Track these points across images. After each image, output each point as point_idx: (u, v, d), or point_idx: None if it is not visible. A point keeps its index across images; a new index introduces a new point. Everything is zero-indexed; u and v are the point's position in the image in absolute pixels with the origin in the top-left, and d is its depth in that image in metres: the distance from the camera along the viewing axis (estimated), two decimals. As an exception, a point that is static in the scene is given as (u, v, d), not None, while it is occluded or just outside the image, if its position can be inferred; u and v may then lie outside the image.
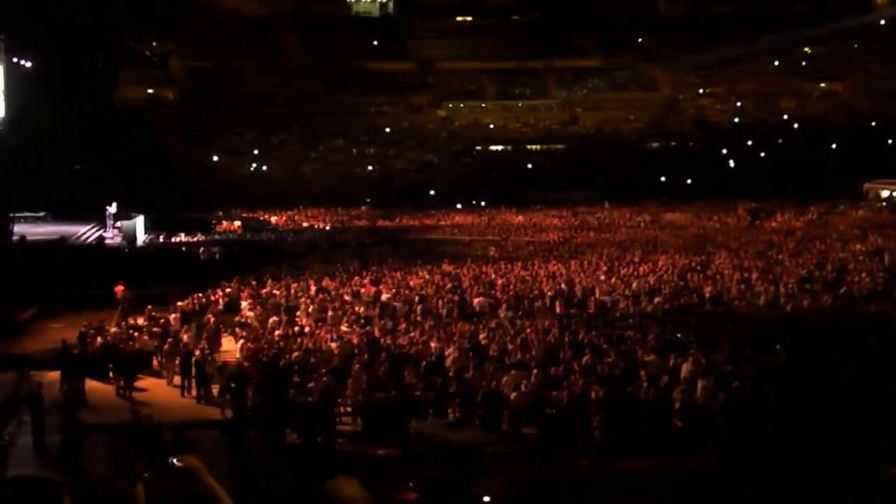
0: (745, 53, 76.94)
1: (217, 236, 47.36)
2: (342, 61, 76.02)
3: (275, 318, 25.85)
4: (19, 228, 39.61)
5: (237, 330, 25.08)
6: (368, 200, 62.08)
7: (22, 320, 27.69)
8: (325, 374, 19.36)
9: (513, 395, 18.14)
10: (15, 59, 39.83)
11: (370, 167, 69.07)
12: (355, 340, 23.14)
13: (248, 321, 26.02)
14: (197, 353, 21.52)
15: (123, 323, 25.30)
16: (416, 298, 28.61)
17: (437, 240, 48.83)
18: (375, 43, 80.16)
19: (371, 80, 75.96)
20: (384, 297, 29.12)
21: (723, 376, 19.28)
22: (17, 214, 41.28)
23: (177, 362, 22.12)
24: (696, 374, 19.45)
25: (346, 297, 29.06)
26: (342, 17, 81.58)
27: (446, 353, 21.27)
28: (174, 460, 4.21)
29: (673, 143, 72.64)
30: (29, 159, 40.39)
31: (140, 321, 25.85)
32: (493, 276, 33.21)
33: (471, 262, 38.12)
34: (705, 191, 63.03)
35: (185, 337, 23.62)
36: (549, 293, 29.17)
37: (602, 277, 32.39)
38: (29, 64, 43.38)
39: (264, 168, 66.84)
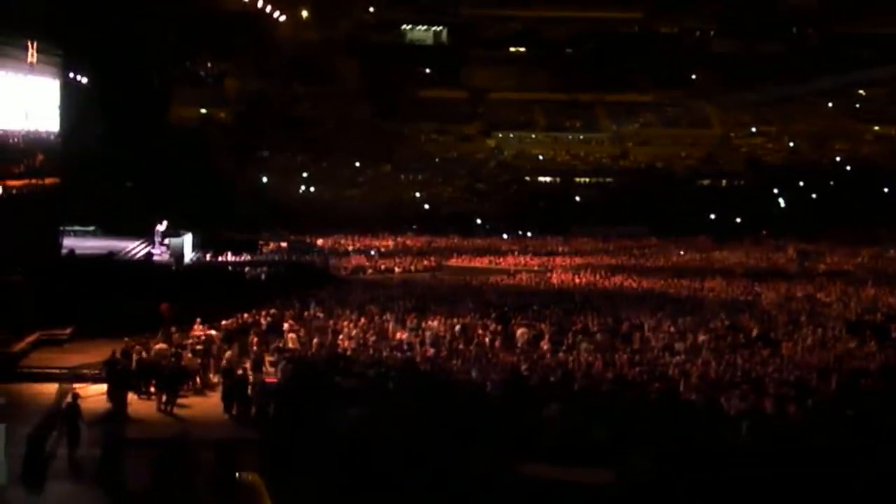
0: (799, 93, 76.35)
1: (264, 257, 47.52)
2: (394, 88, 76.32)
3: (317, 340, 25.81)
4: (69, 242, 39.96)
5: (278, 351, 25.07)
6: (414, 227, 62.12)
7: (65, 334, 27.81)
8: (366, 398, 19.29)
9: (553, 427, 17.97)
10: (71, 75, 40.26)
11: (417, 194, 69.16)
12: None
13: (290, 342, 26.00)
14: (239, 371, 21.52)
15: (167, 339, 25.36)
16: (459, 327, 28.48)
17: (483, 269, 48.73)
18: (428, 71, 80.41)
19: (422, 108, 76.15)
20: (428, 323, 29.03)
21: (767, 417, 19.03)
22: (67, 228, 41.67)
23: (218, 380, 22.18)
24: (740, 413, 19.22)
25: (389, 323, 29.00)
26: (396, 44, 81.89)
27: (487, 383, 21.15)
28: (240, 476, 4.17)
29: (724, 182, 72.12)
30: (81, 174, 40.74)
31: (188, 337, 25.90)
32: (538, 307, 33.03)
33: (515, 292, 38.01)
34: (754, 230, 62.51)
35: (227, 355, 23.65)
36: (594, 327, 28.96)
37: (646, 311, 32.16)
38: (85, 80, 43.86)
39: (312, 190, 67.14)
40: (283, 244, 51.91)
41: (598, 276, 44.05)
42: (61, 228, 40.29)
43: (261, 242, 51.33)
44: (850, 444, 17.13)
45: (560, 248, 57.18)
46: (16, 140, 34.31)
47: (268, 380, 21.83)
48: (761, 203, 67.96)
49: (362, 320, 29.17)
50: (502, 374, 22.08)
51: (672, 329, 28.65)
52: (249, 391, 20.85)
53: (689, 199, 68.29)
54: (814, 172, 71.82)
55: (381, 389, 20.55)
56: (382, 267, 49.81)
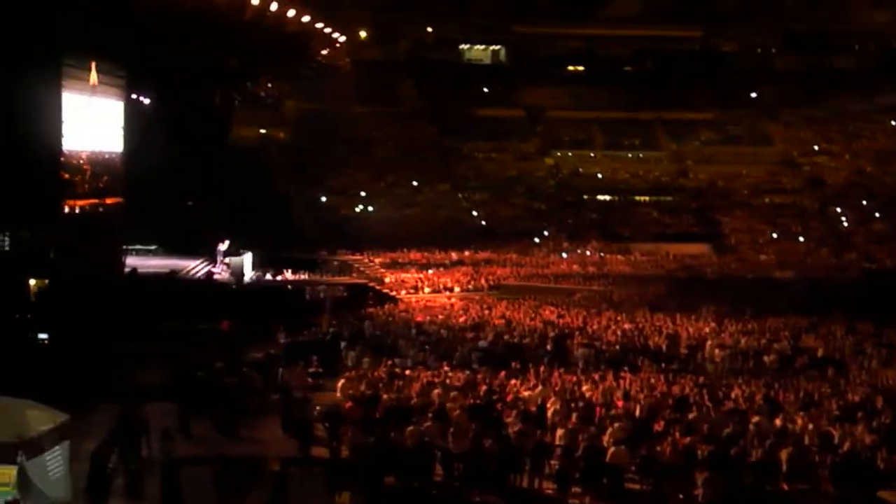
0: (863, 110, 75.28)
1: (322, 276, 47.78)
2: (453, 107, 76.38)
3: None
4: (131, 261, 40.48)
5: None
6: (473, 246, 62.04)
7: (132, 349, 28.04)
8: (426, 418, 19.18)
9: (612, 450, 17.74)
10: (134, 96, 40.84)
11: (475, 213, 69.10)
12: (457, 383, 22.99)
13: (349, 360, 26.09)
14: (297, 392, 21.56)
15: (229, 357, 25.49)
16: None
17: (542, 287, 48.58)
18: (486, 90, 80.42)
19: (480, 127, 76.13)
20: (481, 343, 28.94)
21: (830, 438, 18.68)
22: (129, 247, 42.23)
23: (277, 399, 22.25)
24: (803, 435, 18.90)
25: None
26: (455, 64, 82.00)
27: (548, 405, 20.94)
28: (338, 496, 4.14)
29: (785, 200, 71.16)
30: (144, 194, 41.24)
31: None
32: (597, 326, 32.83)
33: (575, 311, 37.82)
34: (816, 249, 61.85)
35: (285, 374, 23.74)
36: (657, 346, 28.72)
37: (707, 330, 31.85)
38: (148, 101, 44.48)
39: (370, 210, 67.37)
40: (342, 264, 52.20)
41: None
42: (124, 247, 40.86)
43: (320, 261, 51.61)
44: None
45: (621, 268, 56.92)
46: (80, 161, 34.88)
47: (327, 398, 21.87)
48: (824, 222, 67.13)
49: (421, 338, 29.12)
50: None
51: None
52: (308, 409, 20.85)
53: (752, 217, 67.70)
54: (878, 191, 70.52)
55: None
56: (441, 286, 49.87)
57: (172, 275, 39.67)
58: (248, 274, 43.20)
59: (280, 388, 22.83)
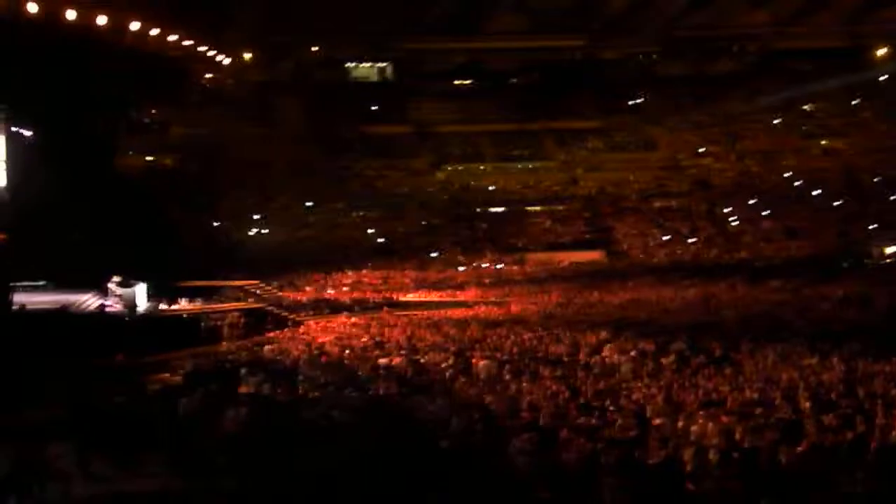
0: (746, 112, 77.30)
1: (218, 303, 47.04)
2: (342, 126, 76.26)
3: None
4: (19, 297, 39.32)
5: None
6: (370, 264, 61.88)
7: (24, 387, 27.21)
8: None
9: (519, 460, 17.72)
10: (15, 129, 39.83)
11: (370, 230, 68.97)
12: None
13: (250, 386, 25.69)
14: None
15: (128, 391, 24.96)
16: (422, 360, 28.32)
17: (440, 302, 48.60)
18: (374, 108, 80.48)
19: (370, 145, 76.16)
20: (382, 361, 28.80)
21: (731, 435, 18.90)
22: (16, 283, 41.01)
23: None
24: (707, 434, 19.08)
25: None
26: (341, 82, 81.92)
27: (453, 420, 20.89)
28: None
29: (674, 203, 72.56)
30: (29, 228, 40.18)
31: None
32: (499, 337, 32.92)
33: (474, 324, 37.90)
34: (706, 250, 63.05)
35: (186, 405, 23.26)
36: (557, 354, 28.87)
37: (605, 335, 32.16)
38: (29, 133, 43.38)
39: (264, 232, 66.74)
40: (239, 289, 51.42)
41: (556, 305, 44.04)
42: (10, 284, 39.68)
43: (215, 288, 50.82)
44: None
45: (517, 278, 57.28)
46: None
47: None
48: (713, 223, 68.69)
49: (323, 359, 28.91)
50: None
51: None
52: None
53: (642, 221, 68.83)
54: (764, 190, 72.41)
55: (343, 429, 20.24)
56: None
57: (63, 310, 38.64)
58: (142, 305, 42.31)
59: (181, 419, 22.38)
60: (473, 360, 28.25)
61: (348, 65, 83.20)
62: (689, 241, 66.51)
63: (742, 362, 26.51)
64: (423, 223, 70.16)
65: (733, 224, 69.12)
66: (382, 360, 28.90)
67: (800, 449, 16.88)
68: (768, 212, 69.20)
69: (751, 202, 70.82)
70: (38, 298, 40.85)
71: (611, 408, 21.44)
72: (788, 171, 75.09)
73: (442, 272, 60.88)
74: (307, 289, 54.63)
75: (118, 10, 43.00)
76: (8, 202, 37.95)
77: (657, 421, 20.09)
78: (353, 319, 40.81)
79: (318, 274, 58.75)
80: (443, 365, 27.80)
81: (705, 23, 79.94)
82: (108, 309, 41.27)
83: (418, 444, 18.65)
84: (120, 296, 41.72)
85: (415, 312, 44.46)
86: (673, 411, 20.78)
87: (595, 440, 18.61)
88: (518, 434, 18.98)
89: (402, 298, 50.95)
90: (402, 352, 30.50)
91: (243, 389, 26.00)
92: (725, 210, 70.47)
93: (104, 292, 42.55)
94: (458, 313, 43.39)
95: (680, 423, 19.73)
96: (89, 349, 31.54)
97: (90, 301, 41.45)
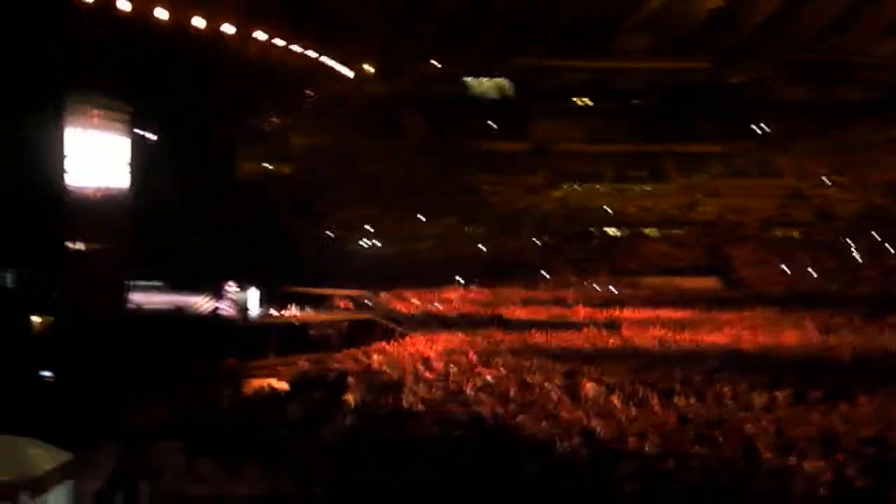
0: (874, 141, 75.04)
1: (328, 311, 47.40)
2: (459, 141, 76.36)
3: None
4: (136, 297, 40.21)
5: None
6: (480, 280, 61.65)
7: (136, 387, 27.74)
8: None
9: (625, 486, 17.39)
10: (139, 132, 40.79)
11: (482, 246, 68.79)
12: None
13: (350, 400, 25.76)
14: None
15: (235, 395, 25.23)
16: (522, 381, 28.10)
17: (546, 321, 48.04)
18: (493, 124, 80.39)
19: (487, 161, 76.04)
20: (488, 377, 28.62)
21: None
22: (134, 283, 41.96)
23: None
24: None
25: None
26: (461, 96, 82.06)
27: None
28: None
29: (795, 233, 70.80)
30: (149, 230, 41.10)
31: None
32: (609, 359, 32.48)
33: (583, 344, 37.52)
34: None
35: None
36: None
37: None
38: (153, 137, 44.38)
39: (377, 244, 67.11)
40: (349, 299, 51.75)
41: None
42: (128, 283, 40.62)
43: (325, 297, 51.24)
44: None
45: (630, 301, 56.35)
46: (86, 197, 34.82)
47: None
48: (835, 254, 66.69)
49: (427, 374, 28.84)
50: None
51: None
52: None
53: (762, 250, 67.30)
54: (889, 223, 70.08)
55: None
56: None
57: (177, 312, 39.38)
58: (254, 310, 42.89)
59: (285, 425, 22.55)
60: (581, 382, 27.88)
61: (468, 80, 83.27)
62: (810, 272, 64.71)
63: (858, 399, 25.65)
64: (537, 241, 69.69)
65: (856, 257, 67.05)
66: (488, 377, 28.73)
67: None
68: (892, 246, 66.98)
69: (875, 235, 68.60)
70: (155, 299, 41.79)
71: (720, 439, 20.91)
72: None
73: (553, 291, 60.24)
74: (416, 302, 54.60)
75: (244, 19, 43.69)
76: (130, 204, 38.85)
77: (768, 455, 19.50)
78: (460, 334, 40.60)
79: (428, 287, 58.68)
80: (548, 385, 27.50)
81: (835, 48, 77.89)
82: (221, 312, 41.97)
83: (517, 465, 18.38)
84: (233, 300, 42.40)
85: (523, 330, 44.04)
86: (784, 446, 20.17)
87: (703, 471, 18.12)
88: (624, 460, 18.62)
89: (510, 316, 50.54)
90: (508, 370, 30.27)
91: (349, 398, 26.10)
92: (848, 242, 68.39)
93: (218, 295, 43.28)
94: (567, 335, 42.85)
95: (792, 459, 19.11)
96: (202, 352, 32.08)
97: (204, 304, 42.21)
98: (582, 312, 50.64)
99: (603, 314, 49.76)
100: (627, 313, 50.32)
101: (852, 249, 67.63)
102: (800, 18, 73.90)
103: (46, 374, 28.29)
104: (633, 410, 24.24)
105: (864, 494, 16.75)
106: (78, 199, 34.28)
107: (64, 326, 30.92)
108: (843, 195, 74.48)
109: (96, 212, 35.64)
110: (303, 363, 32.44)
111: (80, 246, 34.70)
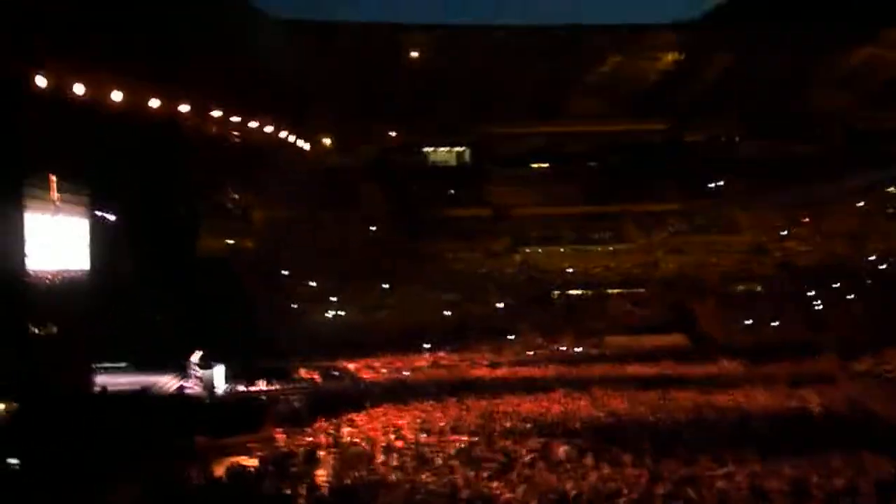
0: (831, 194, 76.07)
1: (295, 384, 47.09)
2: (420, 209, 76.78)
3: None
4: (101, 379, 39.82)
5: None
6: (447, 346, 61.50)
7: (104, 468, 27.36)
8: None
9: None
10: (100, 213, 40.72)
11: (447, 312, 68.76)
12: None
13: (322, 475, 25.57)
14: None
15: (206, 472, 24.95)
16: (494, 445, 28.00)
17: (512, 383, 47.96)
18: (453, 191, 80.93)
19: (448, 227, 76.37)
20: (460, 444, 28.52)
21: None
22: (98, 365, 41.59)
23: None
24: None
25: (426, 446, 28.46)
26: (421, 166, 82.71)
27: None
28: None
29: (758, 287, 71.29)
30: (111, 311, 40.86)
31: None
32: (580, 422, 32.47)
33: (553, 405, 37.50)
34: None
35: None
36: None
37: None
38: (113, 217, 44.29)
39: (342, 314, 66.93)
40: (315, 371, 51.45)
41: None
42: (93, 366, 40.23)
43: (291, 370, 50.93)
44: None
45: (596, 361, 56.34)
46: (46, 280, 34.59)
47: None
48: (798, 307, 67.12)
49: (399, 443, 28.67)
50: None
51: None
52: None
53: (725, 305, 67.63)
54: (849, 272, 70.76)
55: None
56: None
57: (143, 392, 38.99)
58: (221, 387, 42.55)
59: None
60: (553, 445, 27.84)
61: (426, 149, 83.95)
62: (773, 324, 65.08)
63: (829, 449, 25.82)
64: (501, 305, 69.80)
65: (818, 307, 67.57)
66: (459, 444, 28.61)
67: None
68: (853, 295, 67.56)
69: (836, 285, 69.23)
70: (120, 380, 41.38)
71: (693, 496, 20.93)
72: (874, 254, 73.37)
73: (518, 354, 60.18)
74: (384, 370, 54.38)
75: (200, 99, 43.99)
76: (90, 285, 38.65)
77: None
78: (430, 401, 40.42)
79: (395, 355, 58.48)
80: (520, 449, 27.43)
81: (788, 105, 79.08)
82: (187, 390, 41.61)
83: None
84: (199, 377, 42.08)
85: (493, 394, 43.93)
86: (757, 499, 20.24)
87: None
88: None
89: (479, 380, 50.41)
90: (479, 436, 30.17)
91: (320, 472, 25.87)
92: (810, 293, 68.93)
93: (184, 374, 42.96)
94: (536, 396, 42.76)
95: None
96: (169, 431, 31.75)
97: (170, 383, 41.86)
98: (550, 373, 50.66)
99: (571, 373, 49.78)
100: (596, 371, 50.40)
101: (814, 300, 68.19)
102: (752, 75, 75.00)
103: (13, 461, 27.80)
104: (607, 470, 24.22)
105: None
106: (39, 282, 34.05)
107: (29, 412, 30.47)
108: (802, 247, 75.34)
109: (58, 294, 35.40)
110: (272, 438, 32.17)
111: (42, 330, 34.35)
